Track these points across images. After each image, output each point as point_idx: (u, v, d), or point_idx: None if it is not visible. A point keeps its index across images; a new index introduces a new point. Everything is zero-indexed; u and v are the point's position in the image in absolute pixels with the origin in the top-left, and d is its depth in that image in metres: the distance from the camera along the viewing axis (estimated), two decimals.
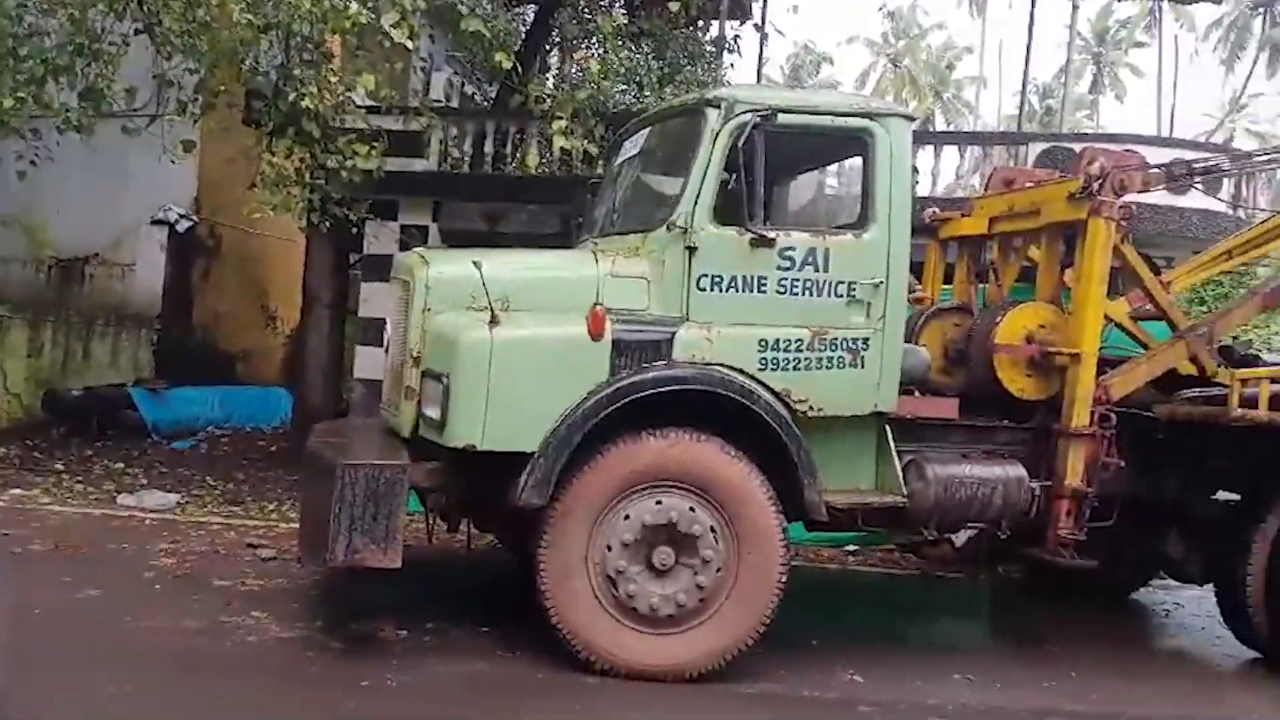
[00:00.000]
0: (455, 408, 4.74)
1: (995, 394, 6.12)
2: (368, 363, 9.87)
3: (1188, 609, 7.57)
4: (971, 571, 8.22)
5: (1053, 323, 6.07)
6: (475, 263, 4.95)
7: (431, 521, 5.64)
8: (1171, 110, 33.30)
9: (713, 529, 4.96)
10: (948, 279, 7.27)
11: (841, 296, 5.26)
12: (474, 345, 4.78)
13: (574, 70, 14.44)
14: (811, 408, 5.21)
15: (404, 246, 9.64)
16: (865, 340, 5.28)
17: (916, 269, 7.28)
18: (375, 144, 9.23)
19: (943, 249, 7.28)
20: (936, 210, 7.32)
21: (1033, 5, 12.53)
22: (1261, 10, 37.43)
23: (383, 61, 9.91)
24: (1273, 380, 5.87)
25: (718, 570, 4.96)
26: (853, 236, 5.33)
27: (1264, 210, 9.09)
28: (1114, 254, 5.98)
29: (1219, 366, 6.36)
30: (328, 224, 9.66)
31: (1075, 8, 12.30)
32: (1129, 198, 5.93)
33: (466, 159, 10.87)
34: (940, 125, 41.83)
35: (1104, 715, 5.13)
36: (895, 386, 5.39)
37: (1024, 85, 13.05)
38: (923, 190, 10.11)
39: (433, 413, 4.87)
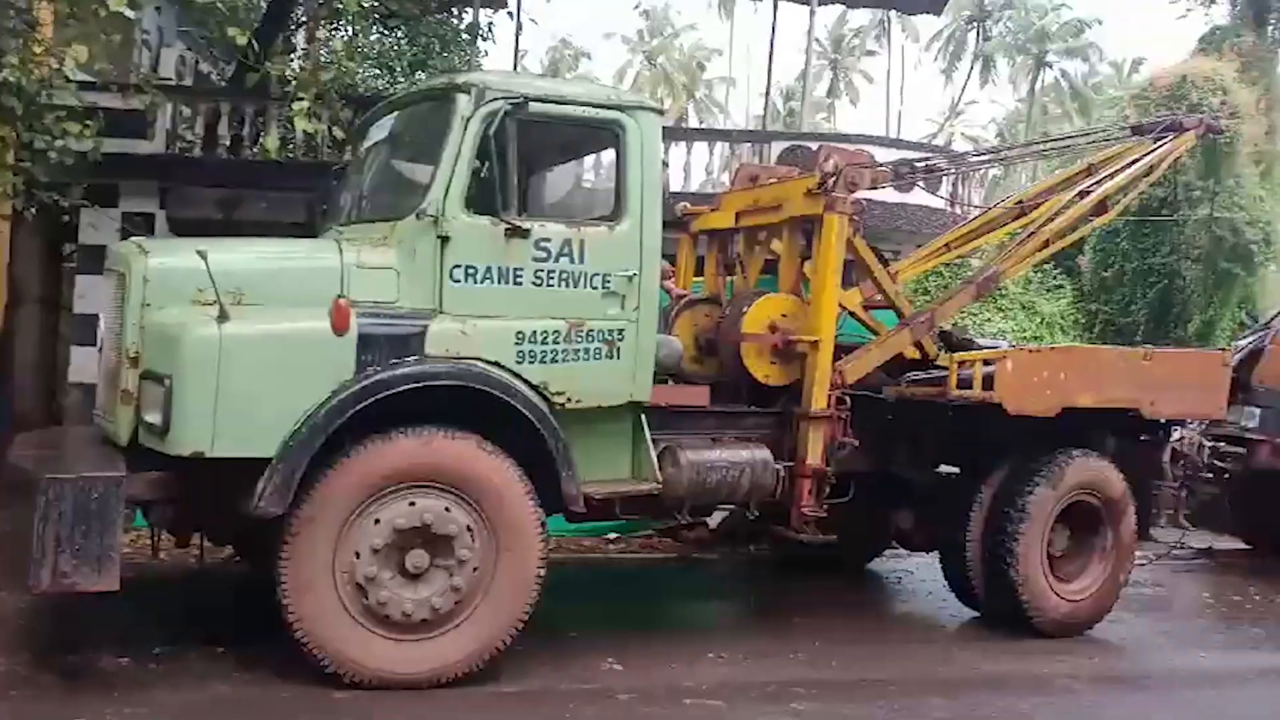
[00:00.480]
0: (179, 412, 4.34)
1: (743, 381, 6.36)
2: (85, 364, 8.93)
3: (917, 575, 8.18)
4: (726, 552, 8.54)
5: (794, 312, 6.37)
6: (200, 252, 4.54)
7: (157, 536, 5.16)
8: (899, 114, 36.25)
9: (469, 528, 4.82)
10: (699, 271, 7.50)
11: (597, 288, 5.26)
12: (199, 343, 4.39)
13: (322, 50, 13.73)
14: (570, 400, 5.18)
15: (126, 235, 8.79)
16: (621, 331, 5.30)
17: (669, 262, 7.47)
18: (90, 123, 8.33)
19: (694, 242, 7.49)
20: (687, 204, 7.51)
21: (775, 11, 13.15)
22: (975, 25, 41.36)
23: (99, 32, 8.96)
24: (985, 363, 6.43)
25: (474, 570, 4.83)
26: (606, 228, 5.33)
27: (977, 207, 9.96)
28: (847, 247, 6.36)
29: (940, 350, 6.92)
30: (34, 210, 8.64)
31: (812, 13, 13.01)
32: (860, 194, 6.32)
33: (199, 141, 10.07)
34: (693, 123, 43.34)
35: (844, 681, 5.43)
36: (650, 376, 5.45)
37: (768, 87, 13.72)
38: (677, 185, 10.37)
39: (154, 418, 4.44)
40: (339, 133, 8.78)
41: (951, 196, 10.61)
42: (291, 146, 9.88)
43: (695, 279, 7.52)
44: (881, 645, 6.22)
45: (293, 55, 13.33)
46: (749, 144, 11.00)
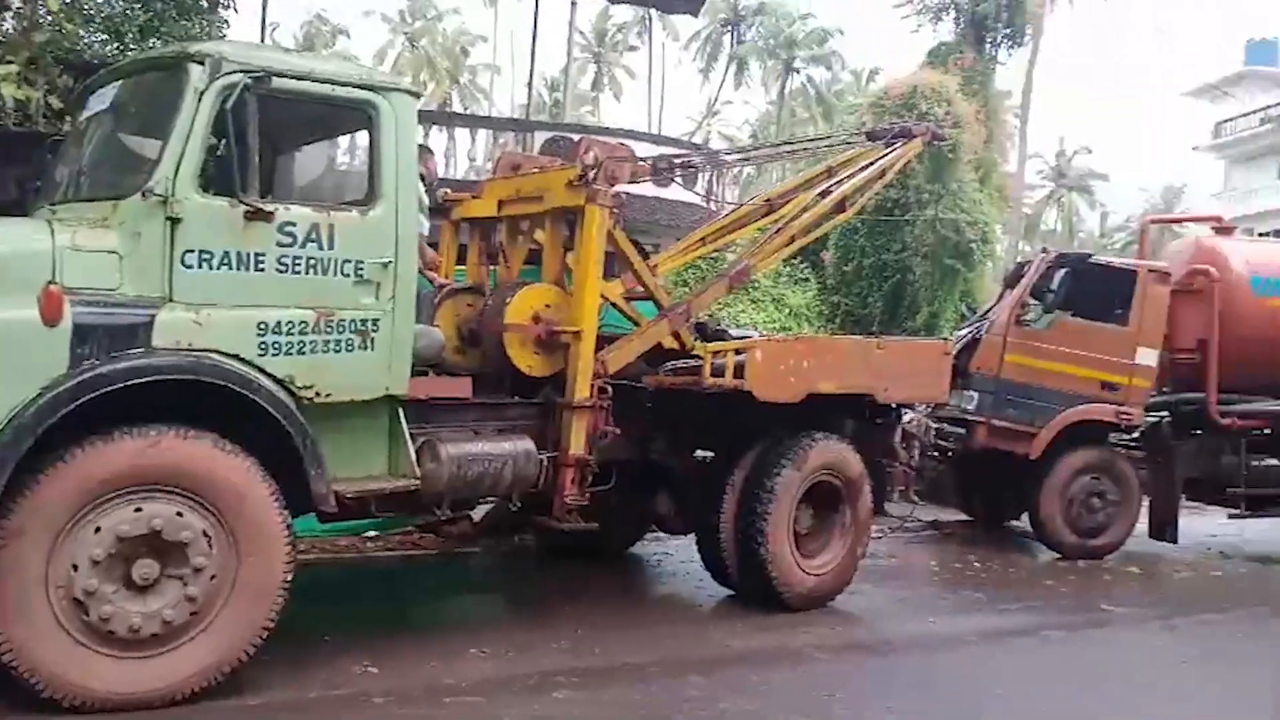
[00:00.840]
0: None
1: (506, 372, 6.30)
2: None
3: (676, 557, 8.40)
4: (490, 545, 8.45)
5: (557, 303, 6.36)
6: None
7: None
8: (660, 111, 37.22)
9: (206, 533, 4.48)
10: (462, 260, 7.36)
11: (349, 276, 5.02)
12: None
13: (40, 9, 12.34)
14: (319, 394, 4.92)
15: None
16: (375, 321, 5.09)
17: (434, 250, 7.29)
18: None
19: (455, 230, 7.34)
20: (448, 191, 7.35)
21: (537, 0, 13.15)
22: (730, 28, 43.10)
23: None
24: (736, 352, 6.69)
25: (212, 578, 4.49)
26: (359, 213, 5.10)
27: (731, 203, 10.38)
28: (608, 239, 6.43)
29: (696, 341, 7.14)
30: None
31: (574, 5, 13.09)
32: (620, 187, 6.40)
33: None
34: (457, 109, 42.62)
35: (605, 668, 5.49)
36: (407, 368, 5.28)
37: (531, 76, 13.67)
38: (440, 172, 10.14)
39: None
40: (56, 101, 7.95)
41: (707, 192, 11.00)
42: (0, 115, 8.81)
43: (458, 268, 7.39)
44: (642, 629, 6.35)
45: (2, 15, 11.93)
46: (513, 132, 10.92)
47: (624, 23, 45.37)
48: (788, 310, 18.81)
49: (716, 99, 44.44)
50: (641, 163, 6.60)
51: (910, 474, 11.35)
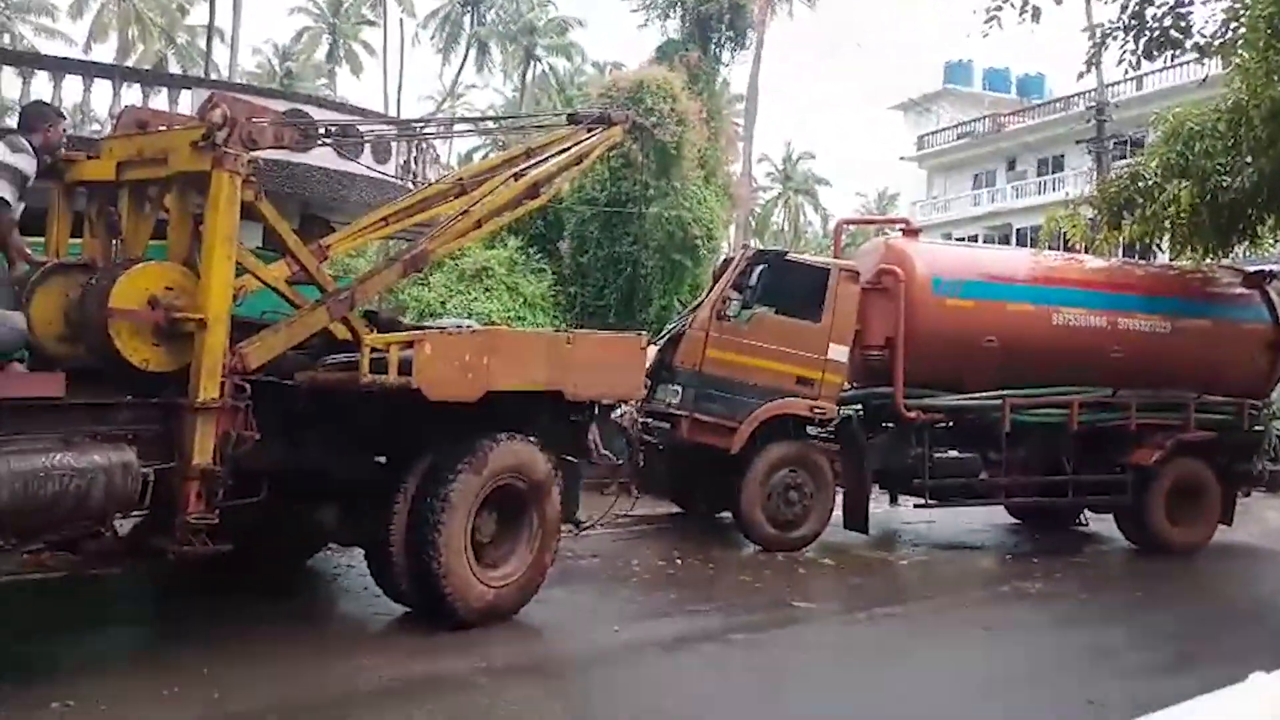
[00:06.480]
0: None
1: (118, 365, 5.31)
2: None
3: (357, 570, 7.55)
4: (137, 563, 7.26)
5: (182, 285, 5.44)
6: None
7: None
8: (399, 90, 35.52)
9: None
10: (80, 231, 6.23)
11: None
12: None
13: None
14: None
15: None
16: None
17: (41, 216, 6.16)
18: None
19: (70, 196, 6.19)
20: (62, 150, 6.16)
21: None
22: (469, 8, 41.87)
23: None
24: (404, 346, 5.99)
25: None
26: None
27: (428, 182, 9.66)
28: (254, 213, 5.60)
29: (371, 332, 6.39)
30: None
31: None
32: (261, 153, 5.55)
33: None
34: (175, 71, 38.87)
35: (214, 717, 4.68)
36: None
37: (209, 35, 12.26)
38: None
39: None
40: None
41: (403, 169, 10.21)
42: None
43: (75, 240, 6.25)
44: (283, 662, 5.48)
45: None
46: (166, 90, 9.62)
47: None
48: (522, 300, 18.28)
49: (458, 81, 43.17)
50: (290, 125, 5.76)
51: (624, 467, 11.09)
